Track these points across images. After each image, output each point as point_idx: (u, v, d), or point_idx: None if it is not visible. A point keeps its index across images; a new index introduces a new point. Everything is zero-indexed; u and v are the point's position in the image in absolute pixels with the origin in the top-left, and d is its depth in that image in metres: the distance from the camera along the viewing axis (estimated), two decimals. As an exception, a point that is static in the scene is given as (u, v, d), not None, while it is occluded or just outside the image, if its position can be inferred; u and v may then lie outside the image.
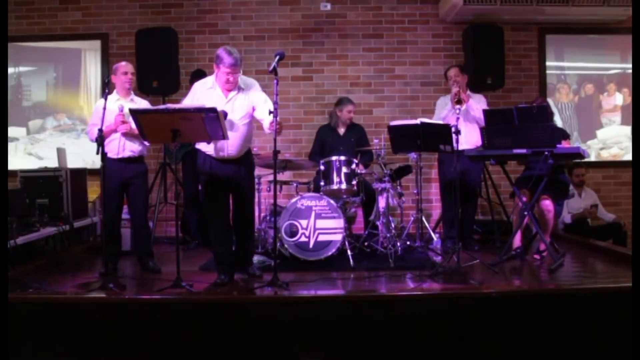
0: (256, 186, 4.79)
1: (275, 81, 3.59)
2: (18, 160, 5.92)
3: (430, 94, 5.90)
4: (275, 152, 3.65)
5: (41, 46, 6.04)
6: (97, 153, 3.69)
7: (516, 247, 4.30)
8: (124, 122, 3.99)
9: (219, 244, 3.84)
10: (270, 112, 3.52)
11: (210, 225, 3.88)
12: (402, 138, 4.40)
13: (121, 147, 4.07)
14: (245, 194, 3.83)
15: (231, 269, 3.85)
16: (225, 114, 3.60)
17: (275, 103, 3.55)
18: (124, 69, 4.16)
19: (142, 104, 4.20)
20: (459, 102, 4.44)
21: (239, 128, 3.71)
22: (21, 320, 3.10)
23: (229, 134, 3.62)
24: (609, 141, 6.24)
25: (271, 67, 3.61)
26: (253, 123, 3.84)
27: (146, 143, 4.11)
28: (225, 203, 3.85)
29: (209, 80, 3.78)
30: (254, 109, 3.74)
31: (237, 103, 3.71)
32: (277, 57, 3.65)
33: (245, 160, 3.80)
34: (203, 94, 3.73)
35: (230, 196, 3.86)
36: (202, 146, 3.75)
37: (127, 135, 4.05)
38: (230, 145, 3.68)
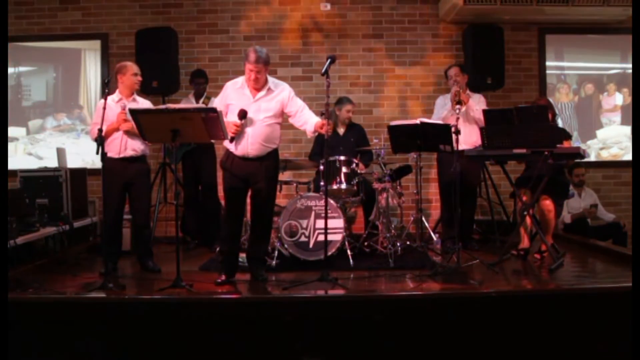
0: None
1: (327, 83, 3.67)
2: (18, 160, 5.92)
3: (430, 94, 5.90)
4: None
5: (41, 46, 6.04)
6: (97, 153, 3.70)
7: (523, 247, 4.30)
8: (126, 121, 3.98)
9: (225, 242, 3.89)
10: (322, 114, 3.67)
11: (224, 222, 3.93)
12: (402, 138, 4.40)
13: (123, 146, 4.05)
14: (263, 194, 3.80)
15: (232, 269, 3.86)
16: (244, 113, 3.64)
17: (326, 104, 3.68)
18: (135, 70, 4.16)
19: (145, 104, 4.20)
20: (459, 102, 4.44)
21: (262, 128, 3.72)
22: (21, 320, 3.10)
23: (251, 132, 3.66)
24: (609, 141, 6.24)
25: (323, 70, 3.68)
26: (276, 125, 3.84)
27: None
28: (241, 202, 3.87)
29: (239, 80, 3.85)
30: (283, 113, 3.82)
31: (263, 103, 3.74)
32: (329, 61, 3.71)
33: (267, 160, 3.78)
34: (232, 93, 3.80)
35: (245, 197, 3.88)
36: (227, 143, 3.77)
37: (129, 134, 4.03)
38: (251, 144, 3.69)
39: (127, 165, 4.08)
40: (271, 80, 3.83)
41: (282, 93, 3.79)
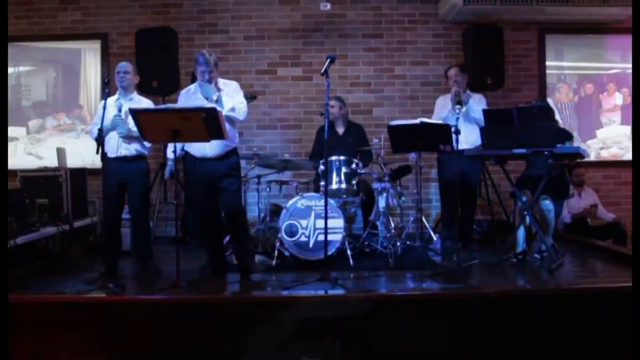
0: (255, 186, 4.81)
1: (326, 83, 3.72)
2: (18, 160, 5.91)
3: (430, 94, 5.89)
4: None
5: (41, 46, 6.03)
6: (97, 152, 3.70)
7: (520, 250, 4.29)
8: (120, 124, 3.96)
9: (204, 239, 4.05)
10: (321, 114, 3.85)
11: (197, 223, 4.07)
12: (402, 138, 4.39)
13: (117, 145, 4.04)
14: (228, 193, 3.86)
15: (217, 263, 4.01)
16: None
17: (326, 104, 3.83)
18: (117, 69, 4.18)
19: (144, 103, 4.18)
20: (459, 102, 4.44)
21: None
22: (21, 320, 3.10)
23: None
24: (609, 141, 6.24)
25: (323, 70, 3.72)
26: (236, 123, 3.93)
27: (147, 143, 4.11)
28: (208, 202, 3.92)
29: (192, 86, 3.94)
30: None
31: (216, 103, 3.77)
32: (329, 61, 3.74)
33: (226, 158, 3.86)
34: (187, 98, 3.88)
35: (214, 196, 3.94)
36: (187, 147, 3.87)
37: (127, 137, 4.01)
38: (209, 145, 3.74)
39: (124, 164, 4.07)
40: (222, 81, 3.90)
41: (229, 89, 3.87)
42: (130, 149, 4.08)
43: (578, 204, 5.66)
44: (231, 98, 3.83)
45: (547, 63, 6.14)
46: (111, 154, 4.03)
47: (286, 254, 4.33)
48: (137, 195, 4.17)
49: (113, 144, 4.04)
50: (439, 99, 5.02)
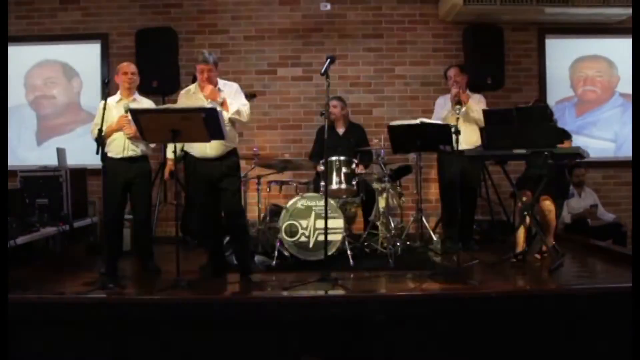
0: (255, 186, 4.82)
1: (327, 83, 3.74)
2: (18, 160, 5.90)
3: (430, 94, 5.89)
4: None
5: (41, 46, 6.03)
6: (97, 153, 3.70)
7: (520, 251, 4.29)
8: (127, 125, 3.96)
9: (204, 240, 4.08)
10: (321, 114, 3.82)
11: (197, 223, 4.09)
12: (402, 138, 4.39)
13: (124, 146, 4.04)
14: (229, 193, 3.86)
15: (218, 267, 4.01)
16: None
17: (326, 104, 3.86)
18: (125, 69, 4.16)
19: (146, 103, 4.19)
20: (459, 102, 4.44)
21: None
22: (21, 320, 3.10)
23: None
24: (609, 141, 6.23)
25: (323, 70, 3.73)
26: (237, 124, 3.94)
27: (151, 144, 4.12)
28: (208, 202, 3.91)
29: (192, 87, 3.93)
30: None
31: (217, 104, 3.77)
32: (329, 61, 3.75)
33: (227, 159, 3.86)
34: (187, 99, 3.88)
35: (214, 196, 3.92)
36: (187, 147, 3.87)
37: (132, 138, 4.01)
38: (210, 145, 3.74)
39: (128, 165, 4.06)
40: (221, 82, 3.91)
41: (230, 90, 3.88)
42: (137, 150, 4.08)
43: (578, 204, 5.66)
44: (235, 100, 3.84)
45: (547, 63, 6.14)
46: (116, 154, 4.03)
47: (286, 254, 4.33)
48: (142, 195, 4.17)
49: (119, 144, 4.03)
50: (439, 99, 5.03)
